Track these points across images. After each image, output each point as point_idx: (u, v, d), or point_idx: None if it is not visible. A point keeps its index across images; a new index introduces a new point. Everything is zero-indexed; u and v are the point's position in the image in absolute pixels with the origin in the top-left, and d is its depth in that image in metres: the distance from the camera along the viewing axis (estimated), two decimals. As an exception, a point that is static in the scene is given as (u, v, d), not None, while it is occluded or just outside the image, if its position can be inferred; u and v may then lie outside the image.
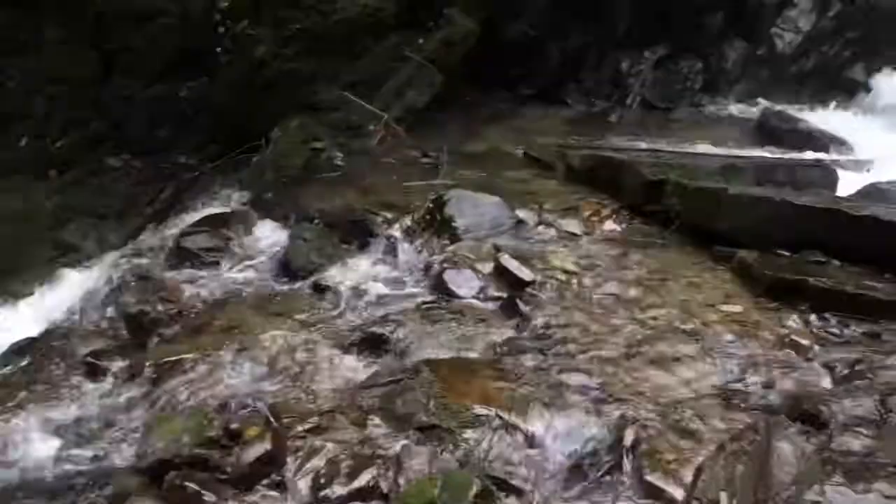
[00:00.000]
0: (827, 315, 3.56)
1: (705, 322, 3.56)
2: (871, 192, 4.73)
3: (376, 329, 3.63)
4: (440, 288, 3.97)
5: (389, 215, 4.53)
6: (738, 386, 3.17)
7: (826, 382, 3.16)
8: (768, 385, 3.17)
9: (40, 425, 3.33)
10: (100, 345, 3.82)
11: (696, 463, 2.69)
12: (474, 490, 2.63)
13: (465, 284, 3.97)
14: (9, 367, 3.76)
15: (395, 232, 4.42)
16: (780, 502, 2.54)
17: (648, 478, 2.71)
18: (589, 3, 6.53)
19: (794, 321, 3.55)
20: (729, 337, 3.46)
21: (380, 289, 4.07)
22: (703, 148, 5.84)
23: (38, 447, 3.25)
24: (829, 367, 3.25)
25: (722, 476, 2.59)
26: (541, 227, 4.54)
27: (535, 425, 2.98)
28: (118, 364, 3.65)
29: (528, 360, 3.38)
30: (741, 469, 2.60)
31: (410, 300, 3.90)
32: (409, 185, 4.95)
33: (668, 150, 5.62)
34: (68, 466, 3.14)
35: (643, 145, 5.92)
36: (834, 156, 5.78)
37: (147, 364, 3.54)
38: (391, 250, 4.34)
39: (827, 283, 3.64)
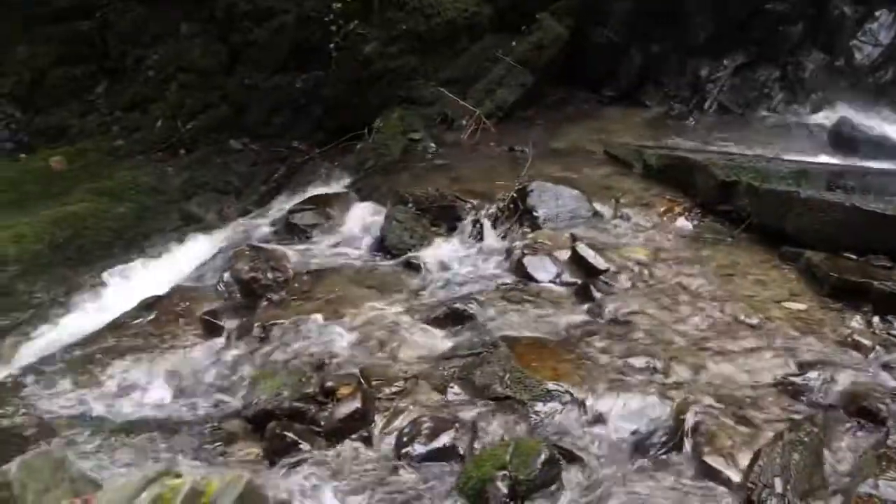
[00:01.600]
0: (890, 318, 3.44)
1: (769, 317, 3.49)
2: None
3: (459, 306, 3.63)
4: (520, 271, 3.96)
5: (476, 202, 4.53)
6: (799, 379, 3.09)
7: (886, 382, 3.05)
8: (828, 381, 3.07)
9: (161, 372, 3.45)
10: (216, 305, 3.93)
11: (754, 449, 2.65)
12: (542, 457, 2.63)
13: (542, 269, 3.95)
14: (138, 320, 3.92)
15: (481, 218, 4.42)
16: (833, 492, 2.49)
17: (707, 459, 2.68)
18: (671, 12, 6.36)
19: (856, 322, 3.45)
20: (792, 332, 3.39)
21: (465, 269, 4.09)
22: (776, 152, 5.59)
23: (158, 391, 3.38)
24: (889, 367, 3.14)
25: (778, 463, 2.54)
26: (616, 220, 4.50)
27: (602, 403, 2.97)
28: (231, 323, 3.74)
29: (598, 343, 3.37)
30: (797, 458, 2.55)
31: (492, 281, 3.90)
32: (496, 175, 4.96)
33: (742, 154, 5.42)
34: (184, 409, 3.25)
35: (718, 148, 5.77)
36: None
37: (256, 325, 3.62)
38: (477, 234, 4.35)
39: (892, 287, 3.51)
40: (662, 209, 4.63)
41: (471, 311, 3.58)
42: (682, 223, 4.52)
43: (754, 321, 3.44)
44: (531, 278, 3.92)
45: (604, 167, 5.28)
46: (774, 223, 4.16)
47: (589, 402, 2.96)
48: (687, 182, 4.77)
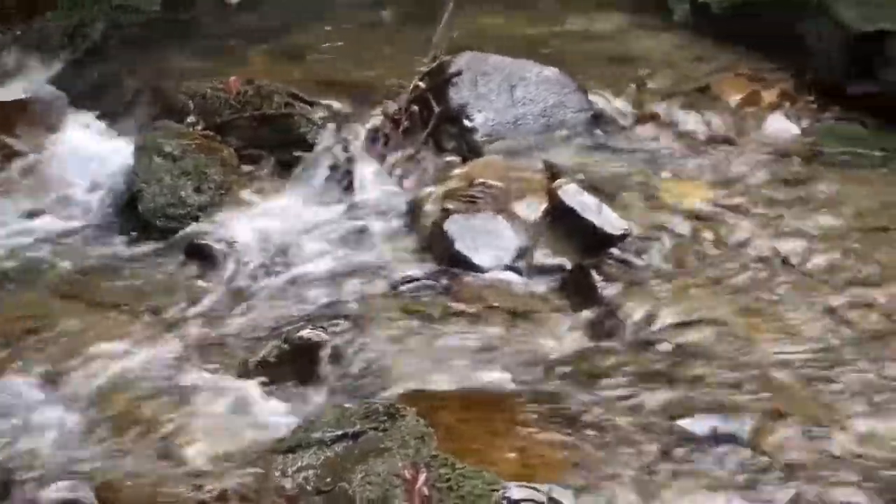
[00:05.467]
0: None
1: None
2: None
3: (307, 334, 3.64)
4: (440, 250, 3.96)
5: (340, 106, 4.55)
6: None
7: None
8: None
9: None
10: None
11: None
12: None
13: (488, 244, 3.94)
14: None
15: (352, 140, 4.42)
16: None
17: None
18: None
19: None
20: None
21: (318, 253, 4.07)
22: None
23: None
24: None
25: None
26: (643, 128, 4.59)
27: None
28: None
29: (614, 392, 3.36)
30: None
31: (378, 276, 3.92)
32: (379, 44, 5.05)
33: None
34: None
35: None
36: None
37: None
38: (342, 177, 4.34)
39: None
40: (737, 98, 4.72)
41: (333, 344, 3.61)
42: (780, 125, 4.65)
43: None
44: (465, 263, 3.90)
45: (610, 14, 5.36)
46: None
47: None
48: (785, 40, 4.86)
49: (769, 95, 4.76)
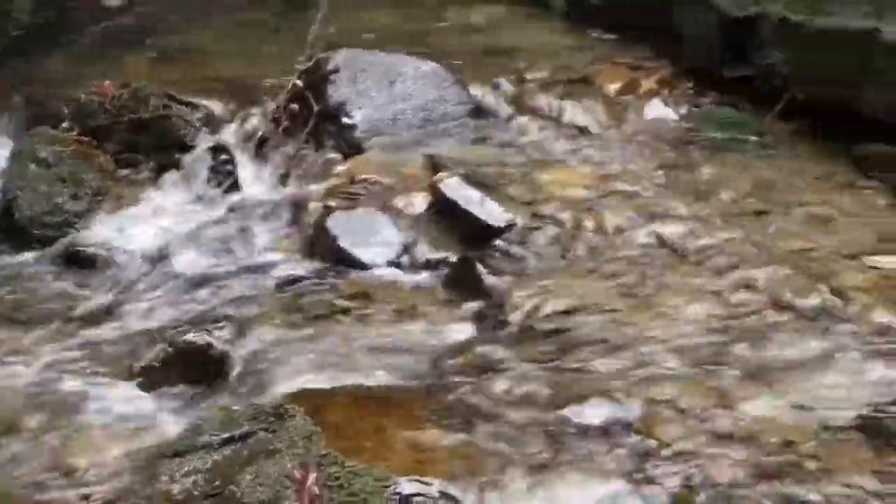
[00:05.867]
0: None
1: (841, 290, 3.65)
2: None
3: (191, 338, 3.60)
4: (323, 249, 3.95)
5: (218, 107, 4.54)
6: None
7: None
8: None
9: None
10: None
11: None
12: None
13: (371, 241, 3.94)
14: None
15: (230, 139, 4.42)
16: None
17: None
18: None
19: None
20: (889, 318, 3.53)
21: (201, 255, 4.04)
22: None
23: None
24: None
25: None
26: (523, 119, 4.61)
27: None
28: None
29: (503, 383, 3.36)
30: None
31: (262, 277, 3.90)
32: (256, 44, 5.05)
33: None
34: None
35: None
36: None
37: None
38: (223, 178, 4.31)
39: None
40: (617, 86, 4.79)
41: (219, 347, 3.59)
42: (658, 112, 4.71)
43: (813, 302, 3.61)
44: (349, 260, 3.90)
45: (489, 7, 5.40)
46: (839, 97, 4.29)
47: None
48: (662, 27, 4.93)
49: (648, 83, 4.81)
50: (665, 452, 3.05)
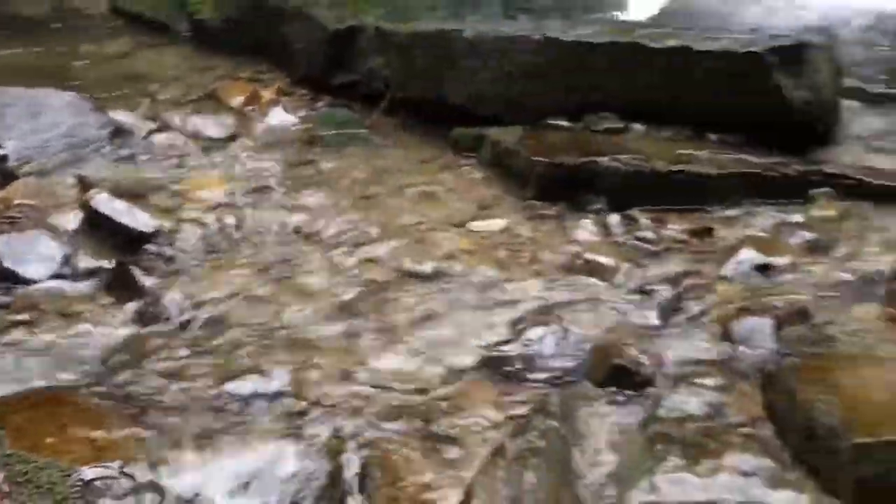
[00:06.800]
0: (633, 212, 3.85)
1: (451, 254, 3.75)
2: (677, 12, 5.13)
3: None
4: None
5: None
6: (514, 348, 3.27)
7: (643, 318, 3.34)
8: (560, 337, 3.27)
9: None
10: None
11: (463, 482, 2.71)
12: None
13: (33, 258, 3.80)
14: None
15: None
16: None
17: None
18: None
19: (586, 230, 3.81)
20: (491, 273, 3.63)
21: None
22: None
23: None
24: (644, 292, 3.46)
25: (504, 495, 2.62)
26: (160, 136, 4.57)
27: (190, 477, 2.86)
28: None
29: (167, 368, 3.31)
30: (531, 478, 2.66)
31: None
32: None
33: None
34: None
35: None
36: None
37: None
38: None
39: (628, 161, 3.92)
40: (240, 99, 4.82)
41: None
42: (280, 117, 4.77)
43: (429, 268, 3.69)
44: (15, 278, 3.75)
45: (120, 38, 5.36)
46: (432, 91, 4.49)
47: (169, 482, 2.83)
48: (274, 43, 5.05)
49: (268, 93, 4.86)
50: (314, 411, 3.07)
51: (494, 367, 3.20)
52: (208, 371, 3.28)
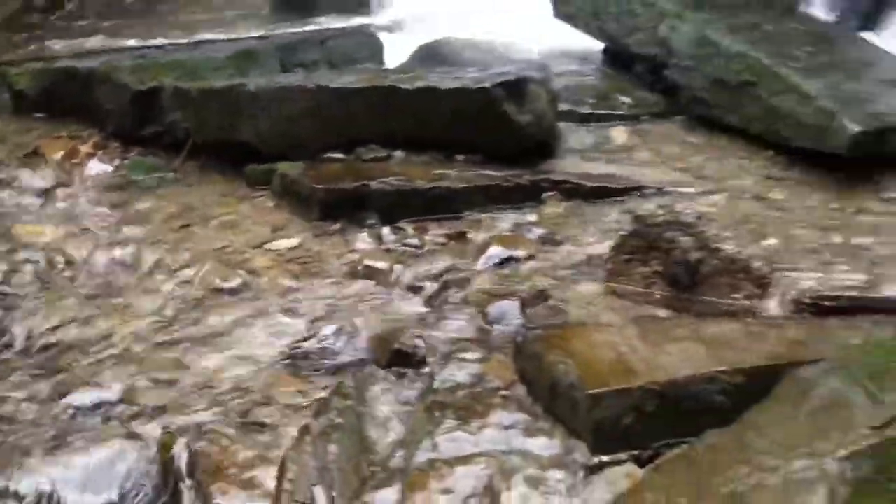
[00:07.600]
0: (401, 224, 4.03)
1: (254, 270, 3.84)
2: (426, 57, 5.38)
3: None
4: None
5: None
6: (313, 344, 3.38)
7: (415, 308, 3.52)
8: (350, 332, 3.41)
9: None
10: None
11: (277, 459, 2.84)
12: None
13: None
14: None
15: None
16: (390, 474, 2.78)
17: (218, 499, 2.79)
18: None
19: (364, 242, 3.97)
20: (289, 283, 3.75)
21: None
22: (207, 34, 6.09)
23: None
24: (415, 288, 3.64)
25: (313, 466, 2.77)
26: None
27: (44, 480, 2.80)
28: None
29: (14, 392, 3.32)
30: (334, 449, 2.82)
31: None
32: None
33: (159, 45, 5.83)
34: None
35: (126, 42, 6.14)
36: (363, 19, 6.41)
37: None
38: None
39: (392, 182, 4.12)
40: (60, 154, 4.79)
41: None
42: (98, 168, 4.76)
43: (235, 283, 3.77)
44: None
45: None
46: (226, 136, 4.60)
47: (23, 486, 2.76)
48: (87, 104, 5.01)
49: (86, 147, 4.85)
50: (146, 414, 3.13)
51: (297, 361, 3.31)
52: (53, 388, 3.31)
